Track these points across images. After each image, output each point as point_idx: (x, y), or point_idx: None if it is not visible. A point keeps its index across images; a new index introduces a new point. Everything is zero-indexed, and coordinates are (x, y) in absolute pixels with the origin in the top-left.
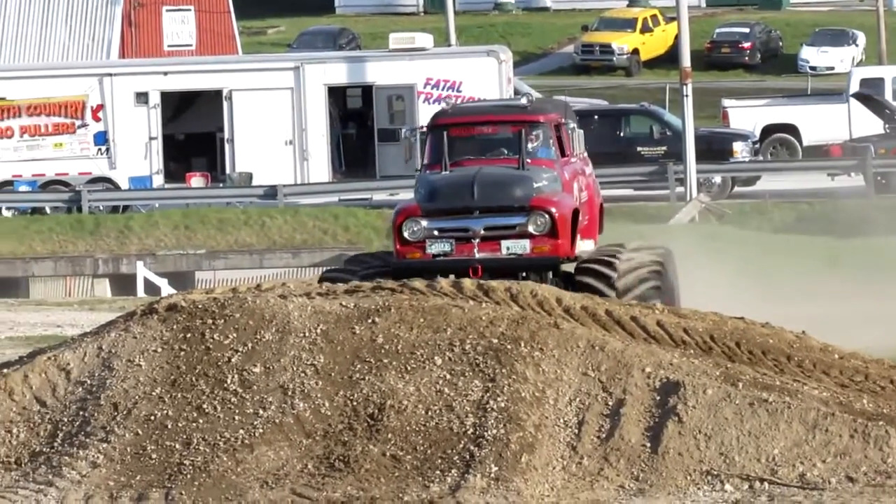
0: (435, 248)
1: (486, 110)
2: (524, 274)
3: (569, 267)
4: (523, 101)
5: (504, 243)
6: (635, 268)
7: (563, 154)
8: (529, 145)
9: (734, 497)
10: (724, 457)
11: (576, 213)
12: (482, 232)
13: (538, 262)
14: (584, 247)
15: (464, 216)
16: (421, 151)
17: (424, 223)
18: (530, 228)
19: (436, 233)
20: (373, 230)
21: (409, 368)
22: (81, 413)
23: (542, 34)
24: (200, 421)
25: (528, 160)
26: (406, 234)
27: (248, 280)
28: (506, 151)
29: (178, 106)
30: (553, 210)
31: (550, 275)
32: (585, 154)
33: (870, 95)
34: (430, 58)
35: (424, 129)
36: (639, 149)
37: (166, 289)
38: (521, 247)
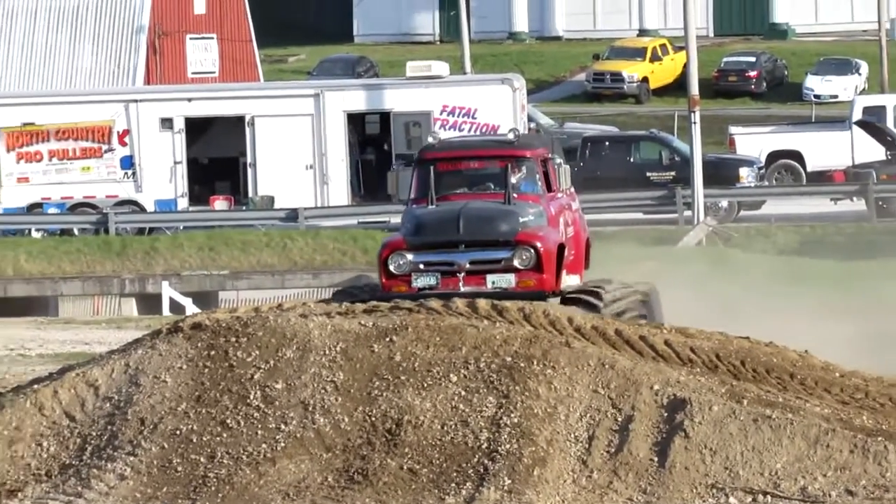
0: (420, 281)
1: (472, 145)
2: None
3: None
4: (510, 136)
5: (489, 277)
6: (621, 298)
7: (549, 189)
8: (515, 179)
9: None
10: (728, 471)
11: (561, 247)
12: (467, 266)
13: (523, 296)
14: (570, 282)
15: (449, 250)
16: (408, 185)
17: (410, 257)
18: (516, 263)
19: (421, 266)
20: None
21: (425, 385)
22: (109, 427)
23: (554, 63)
24: (224, 435)
25: (515, 195)
26: (392, 268)
27: (270, 300)
28: (492, 186)
29: (201, 131)
30: (538, 245)
31: None
32: (572, 189)
33: (872, 123)
34: (446, 85)
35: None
36: (648, 174)
37: (191, 308)
38: (507, 281)
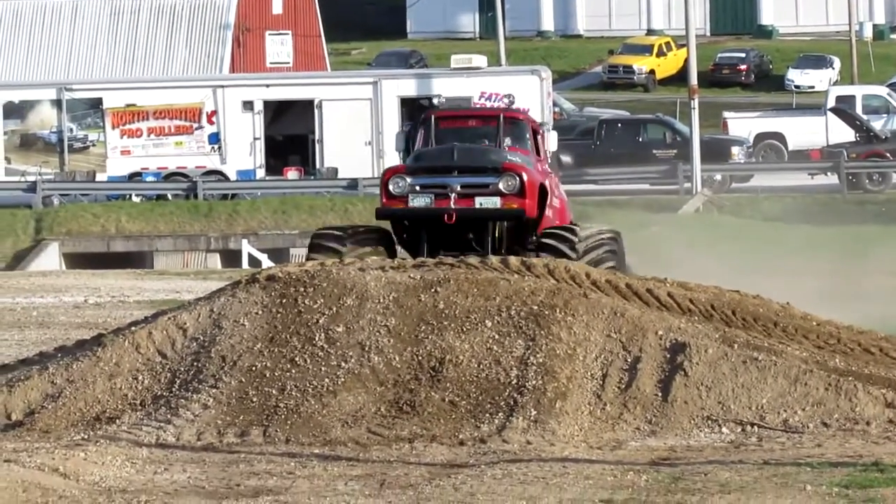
0: (416, 201)
1: (472, 108)
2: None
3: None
4: (506, 100)
5: (477, 199)
6: (593, 234)
7: (538, 155)
8: (508, 138)
9: (729, 438)
10: (721, 405)
11: (543, 187)
12: (458, 189)
13: (505, 212)
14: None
15: (443, 175)
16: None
17: (408, 180)
18: (501, 187)
19: (417, 188)
20: None
21: (464, 329)
22: (195, 364)
23: (576, 57)
24: (293, 371)
25: (507, 146)
26: (391, 189)
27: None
28: (487, 142)
29: (277, 112)
30: (523, 174)
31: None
32: (559, 182)
33: (843, 110)
34: (485, 75)
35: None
36: (654, 151)
37: (266, 262)
38: (493, 203)
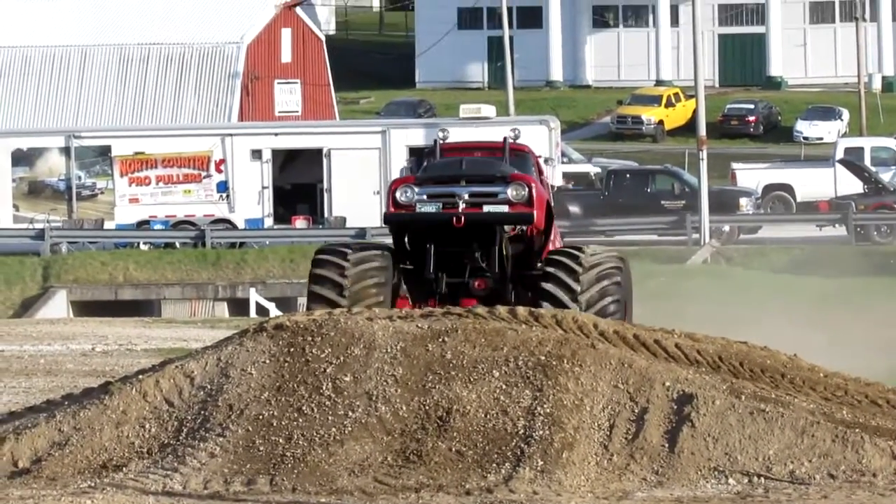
0: (424, 209)
1: (480, 142)
2: (503, 231)
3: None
4: (511, 133)
5: (486, 208)
6: (598, 271)
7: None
8: (515, 163)
9: (736, 489)
10: (728, 456)
11: (550, 206)
12: (467, 197)
13: (514, 216)
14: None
15: (452, 184)
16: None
17: (416, 189)
18: (510, 195)
19: (425, 197)
20: None
21: (472, 379)
22: (202, 412)
23: (584, 107)
24: (300, 420)
25: (512, 172)
26: (399, 197)
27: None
28: None
29: (285, 161)
30: (532, 184)
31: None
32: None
33: (852, 161)
34: (493, 125)
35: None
36: (662, 202)
37: (274, 311)
38: (502, 211)
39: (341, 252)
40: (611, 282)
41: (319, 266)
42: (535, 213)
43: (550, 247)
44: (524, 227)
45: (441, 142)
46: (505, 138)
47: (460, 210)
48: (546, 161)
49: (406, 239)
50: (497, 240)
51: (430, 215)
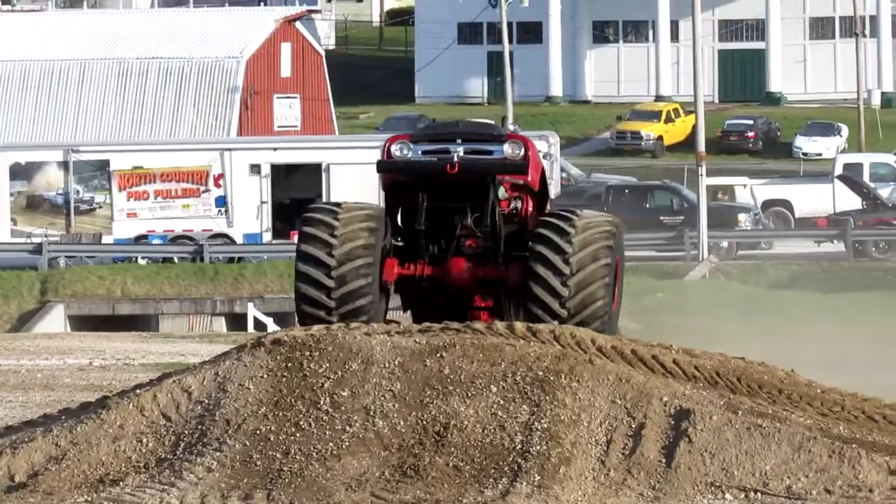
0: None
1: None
2: (495, 180)
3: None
4: (511, 127)
5: None
6: (591, 226)
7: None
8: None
9: None
10: (725, 471)
11: (543, 175)
12: (461, 153)
13: (510, 165)
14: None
15: (447, 142)
16: None
17: (411, 146)
18: (506, 151)
19: (420, 153)
20: None
21: (469, 395)
22: (200, 427)
23: (584, 122)
24: (297, 435)
25: (508, 133)
26: (394, 151)
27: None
28: None
29: (284, 176)
30: (528, 143)
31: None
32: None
33: (851, 177)
34: None
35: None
36: (661, 217)
37: (272, 326)
38: (496, 159)
39: (331, 210)
40: (603, 245)
41: (309, 224)
42: (529, 171)
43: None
44: (518, 207)
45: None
46: (503, 117)
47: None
48: (545, 157)
49: (398, 195)
50: (490, 195)
51: (422, 162)
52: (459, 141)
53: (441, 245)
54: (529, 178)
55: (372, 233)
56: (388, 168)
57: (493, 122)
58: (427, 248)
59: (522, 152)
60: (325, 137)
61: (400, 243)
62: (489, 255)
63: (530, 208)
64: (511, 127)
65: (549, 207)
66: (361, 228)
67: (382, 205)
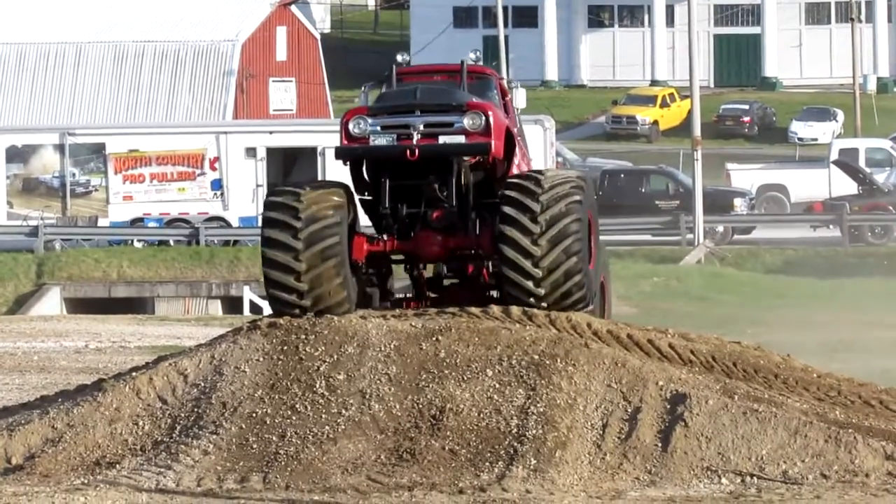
0: (378, 141)
1: (439, 66)
2: (457, 163)
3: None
4: (472, 56)
5: (441, 139)
6: (559, 183)
7: (505, 111)
8: (476, 89)
9: (729, 489)
10: (721, 456)
11: (510, 133)
12: (422, 128)
13: (469, 147)
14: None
15: (406, 114)
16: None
17: (370, 121)
18: (466, 124)
19: (379, 128)
20: None
21: (465, 378)
22: (196, 410)
23: (579, 107)
24: (293, 418)
25: (472, 99)
26: (352, 129)
27: None
28: None
29: (280, 159)
30: (489, 112)
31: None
32: (525, 146)
33: (847, 162)
34: None
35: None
36: (657, 202)
37: (268, 309)
38: (457, 141)
39: (293, 192)
40: (571, 200)
41: (272, 208)
42: (492, 142)
43: (515, 171)
44: (482, 174)
45: (399, 66)
46: (462, 61)
47: (414, 142)
48: (509, 84)
49: (360, 173)
50: (454, 171)
51: (382, 149)
52: (418, 113)
53: (408, 220)
54: (493, 150)
55: (337, 211)
56: (346, 155)
57: (451, 88)
58: (394, 224)
59: (483, 122)
60: (321, 121)
61: (368, 224)
62: (458, 225)
63: (497, 172)
64: (472, 58)
65: (522, 154)
66: (325, 207)
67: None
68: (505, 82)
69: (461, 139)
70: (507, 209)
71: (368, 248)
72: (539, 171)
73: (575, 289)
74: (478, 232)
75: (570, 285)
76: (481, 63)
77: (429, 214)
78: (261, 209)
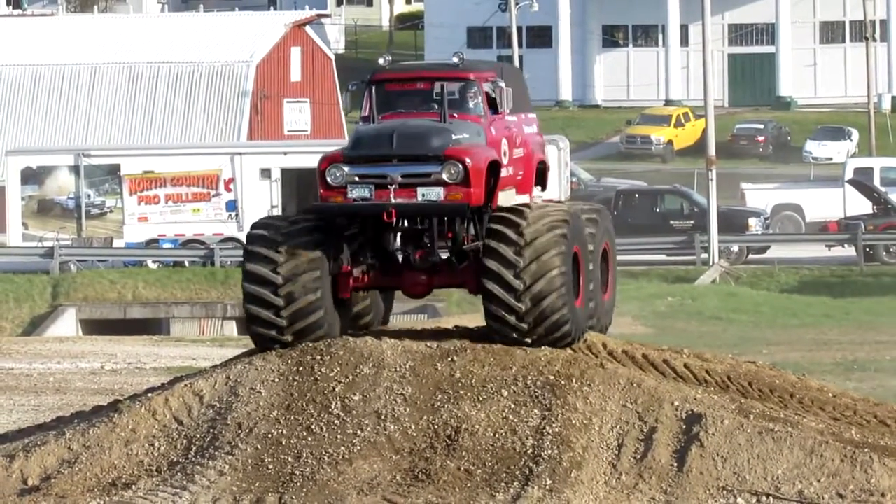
0: (355, 192)
1: (420, 68)
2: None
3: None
4: (455, 59)
5: (420, 190)
6: (545, 217)
7: (495, 112)
8: (459, 101)
9: None
10: (737, 475)
11: (494, 164)
12: (399, 179)
13: (448, 207)
14: (518, 200)
15: (383, 164)
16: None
17: (346, 169)
18: (444, 176)
19: (356, 178)
20: None
21: (480, 399)
22: (211, 430)
23: (594, 127)
24: (309, 439)
25: (456, 114)
26: (329, 180)
27: None
28: (436, 106)
29: (294, 180)
30: (466, 160)
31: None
32: (532, 115)
33: (862, 181)
34: None
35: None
36: (671, 222)
37: None
38: (436, 194)
39: (274, 225)
40: (556, 234)
41: (253, 242)
42: (471, 194)
43: (500, 195)
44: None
45: (381, 71)
46: (442, 90)
47: (391, 196)
48: (498, 84)
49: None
50: (433, 225)
51: (359, 207)
52: (395, 162)
53: (391, 261)
54: (473, 200)
55: (318, 246)
56: (322, 212)
57: (432, 124)
58: (377, 266)
59: (461, 173)
60: (335, 141)
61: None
62: (440, 264)
63: (482, 210)
64: (455, 60)
65: (529, 152)
66: (307, 242)
67: None
68: (495, 77)
69: (440, 191)
70: (492, 242)
71: (354, 285)
72: (525, 205)
73: (559, 323)
74: (461, 267)
75: (555, 319)
76: (465, 60)
77: (412, 256)
78: None
